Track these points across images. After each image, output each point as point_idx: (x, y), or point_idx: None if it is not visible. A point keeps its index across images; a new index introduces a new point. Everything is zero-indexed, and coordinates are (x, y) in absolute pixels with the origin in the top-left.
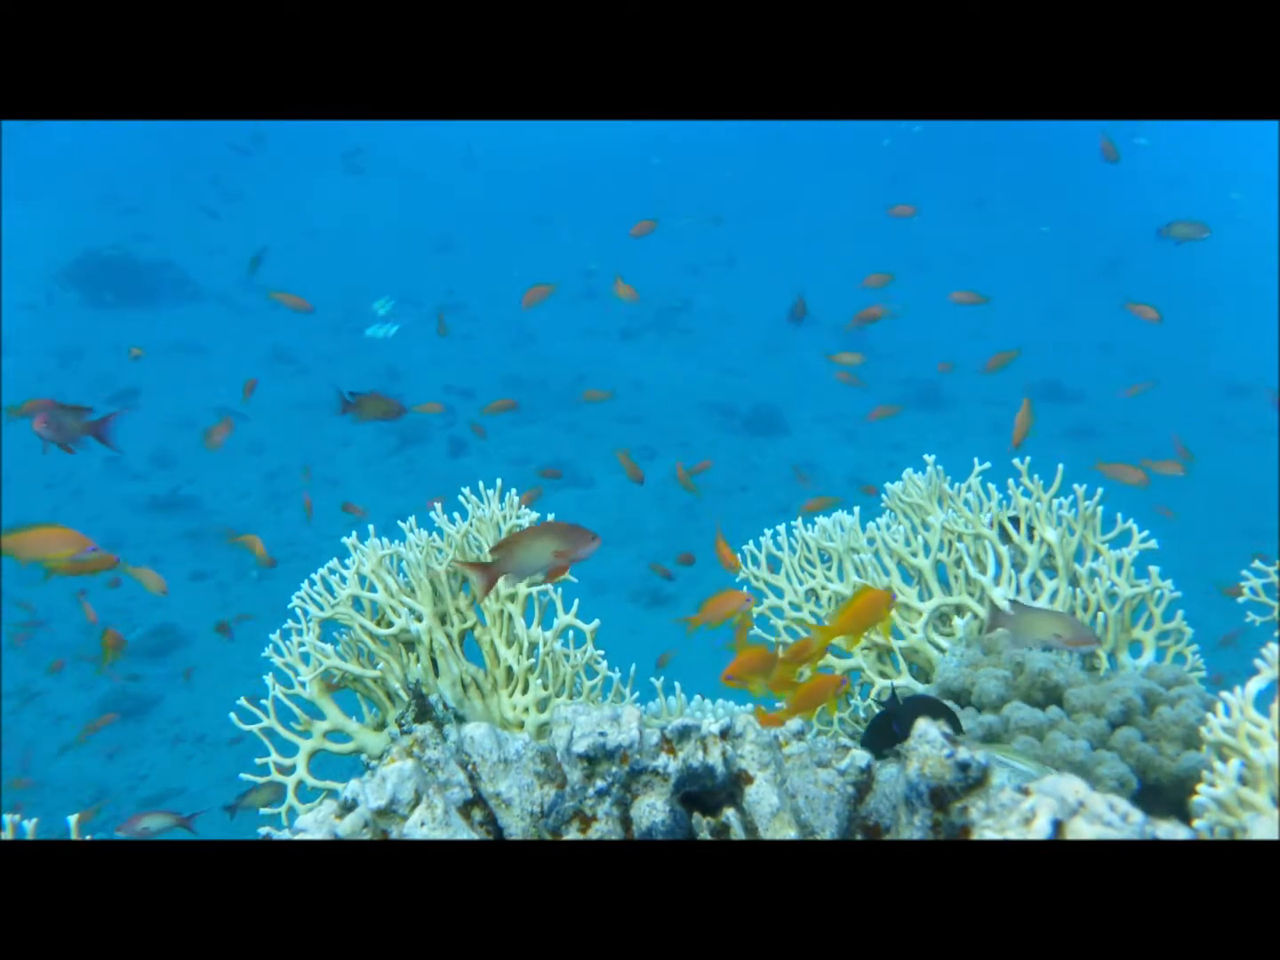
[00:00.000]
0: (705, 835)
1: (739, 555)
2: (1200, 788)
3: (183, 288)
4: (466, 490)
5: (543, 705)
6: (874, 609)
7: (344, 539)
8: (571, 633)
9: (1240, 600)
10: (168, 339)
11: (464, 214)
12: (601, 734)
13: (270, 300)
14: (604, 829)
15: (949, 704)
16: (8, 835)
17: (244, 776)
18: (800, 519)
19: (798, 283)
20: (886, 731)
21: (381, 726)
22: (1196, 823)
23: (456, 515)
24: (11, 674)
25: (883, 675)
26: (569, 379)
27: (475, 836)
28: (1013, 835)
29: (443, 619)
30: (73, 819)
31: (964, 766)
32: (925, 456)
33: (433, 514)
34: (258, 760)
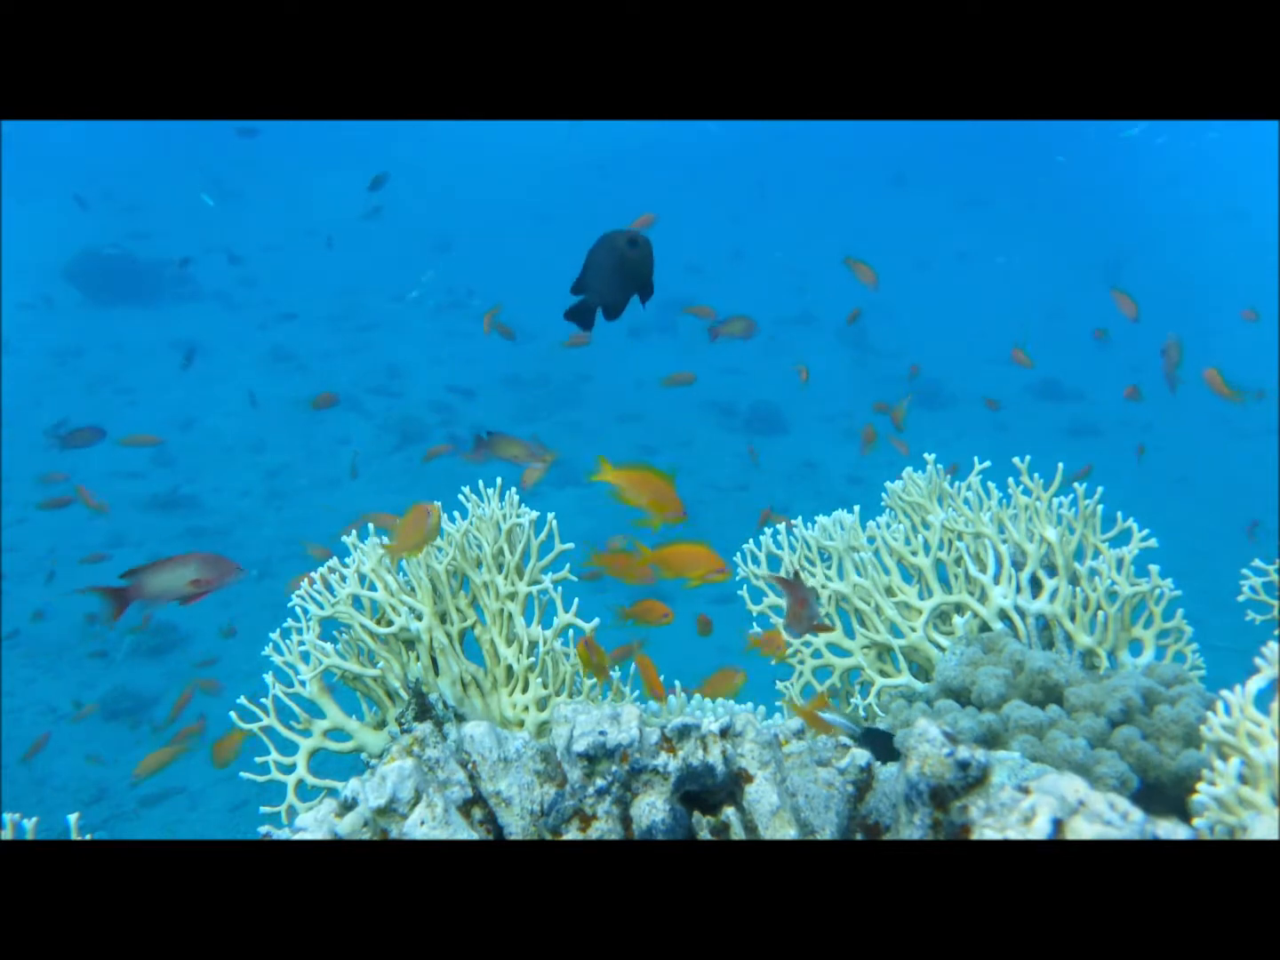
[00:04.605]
0: (705, 834)
1: (739, 553)
2: (1200, 786)
3: (183, 287)
4: (466, 489)
5: (543, 704)
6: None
7: (344, 538)
8: (571, 631)
9: (1240, 599)
10: (168, 338)
11: (464, 213)
12: (601, 733)
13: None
14: (604, 828)
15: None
16: (8, 835)
17: (244, 775)
18: (800, 519)
19: (801, 283)
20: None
21: (381, 725)
22: (1196, 821)
23: (457, 514)
24: (11, 673)
25: (882, 674)
26: (570, 378)
27: (475, 835)
28: (1013, 834)
29: (442, 618)
30: (72, 818)
31: (964, 765)
32: (925, 455)
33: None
34: (258, 759)
